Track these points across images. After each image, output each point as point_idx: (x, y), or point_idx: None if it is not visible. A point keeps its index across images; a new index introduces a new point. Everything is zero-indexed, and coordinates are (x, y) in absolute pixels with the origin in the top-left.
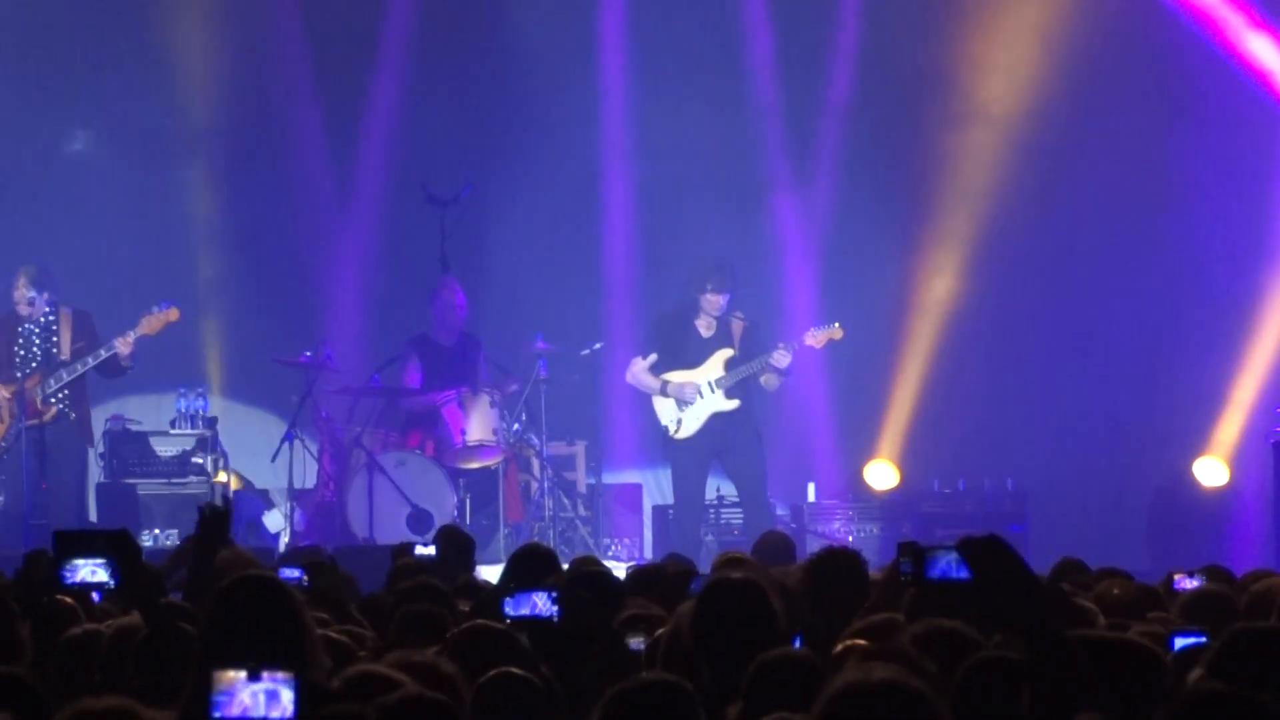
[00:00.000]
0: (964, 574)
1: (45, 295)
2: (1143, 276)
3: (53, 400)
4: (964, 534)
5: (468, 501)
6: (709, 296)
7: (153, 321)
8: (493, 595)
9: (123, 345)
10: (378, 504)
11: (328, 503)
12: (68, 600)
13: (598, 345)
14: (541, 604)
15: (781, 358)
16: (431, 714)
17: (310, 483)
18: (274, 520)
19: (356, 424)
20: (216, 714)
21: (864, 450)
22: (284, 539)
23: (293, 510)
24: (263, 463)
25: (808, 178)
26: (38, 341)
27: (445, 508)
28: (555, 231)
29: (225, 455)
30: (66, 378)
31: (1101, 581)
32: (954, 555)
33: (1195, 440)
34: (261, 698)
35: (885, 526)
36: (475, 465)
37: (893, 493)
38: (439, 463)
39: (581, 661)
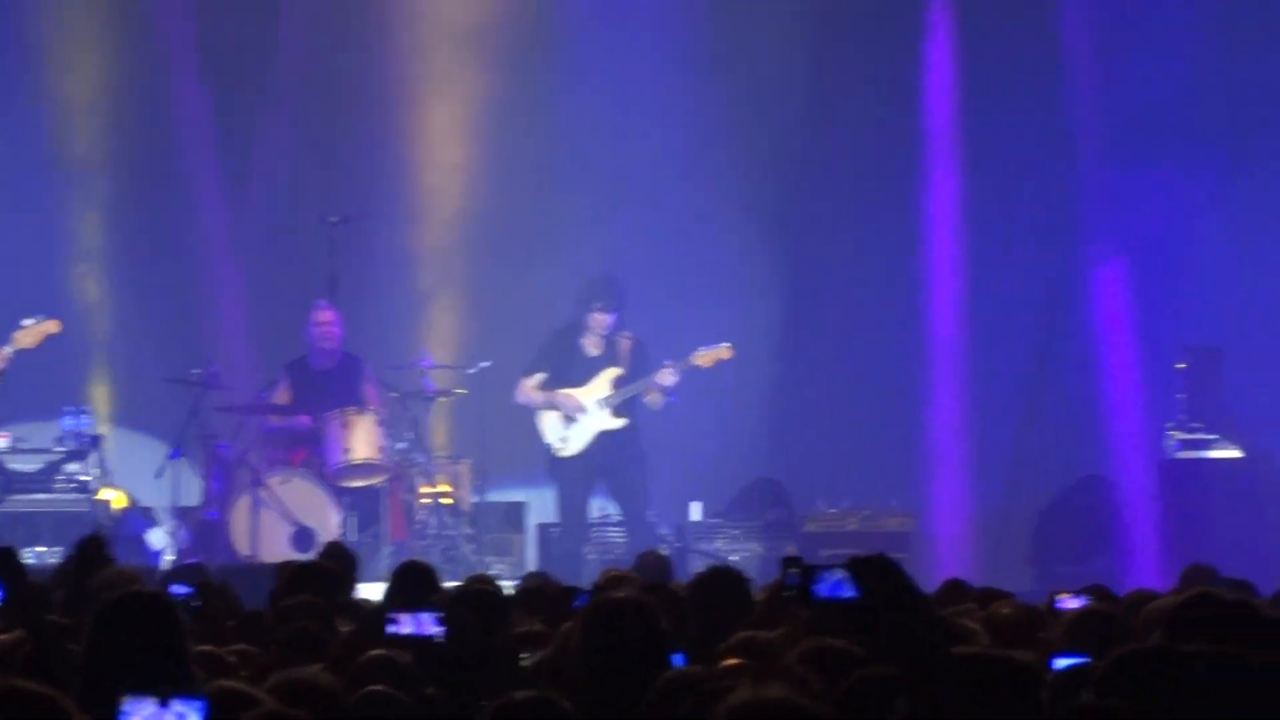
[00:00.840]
0: (851, 593)
1: None
2: (1029, 293)
3: None
4: (850, 554)
5: (352, 520)
6: (596, 315)
7: (31, 333)
8: (376, 614)
9: None
10: (262, 522)
11: (212, 520)
12: None
13: (484, 364)
14: (426, 623)
15: (667, 376)
16: None
17: (195, 500)
18: (157, 537)
19: (242, 442)
20: None
21: (748, 469)
22: (167, 556)
23: (177, 527)
24: (148, 480)
25: (695, 195)
26: None
27: (329, 526)
28: (442, 251)
29: (109, 472)
30: None
31: (983, 601)
32: (842, 574)
33: (1081, 458)
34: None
35: (768, 546)
36: (360, 483)
37: (777, 512)
38: (323, 481)
39: (469, 681)
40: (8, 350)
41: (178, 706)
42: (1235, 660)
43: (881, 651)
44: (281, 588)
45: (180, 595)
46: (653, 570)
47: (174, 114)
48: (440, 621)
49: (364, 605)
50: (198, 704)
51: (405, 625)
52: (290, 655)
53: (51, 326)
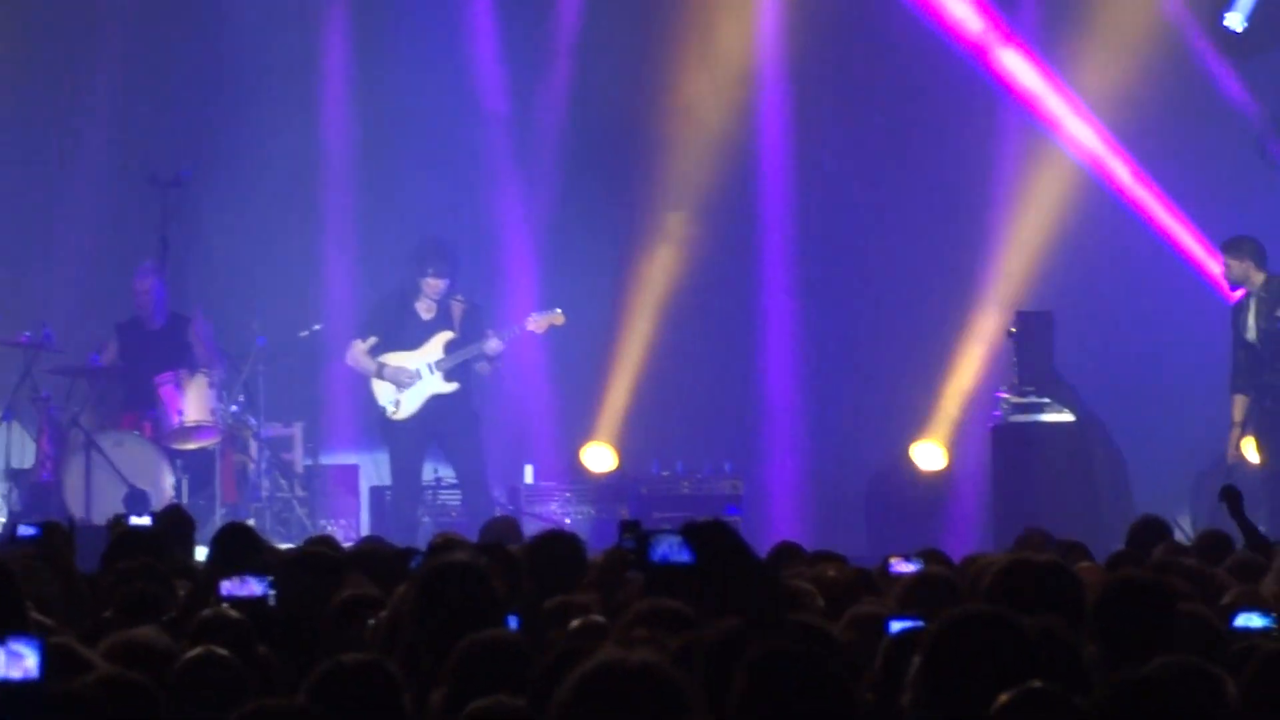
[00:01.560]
0: (686, 557)
1: None
2: (860, 257)
3: None
4: (682, 517)
5: (185, 482)
6: (430, 280)
7: None
8: (208, 576)
9: None
10: (95, 484)
11: (45, 483)
12: None
13: (316, 327)
14: (254, 585)
15: (494, 345)
16: (128, 695)
17: (28, 463)
18: None
19: (75, 404)
20: None
21: (582, 433)
22: (0, 518)
23: (10, 490)
24: None
25: (529, 161)
26: None
27: (162, 488)
28: (275, 214)
29: None
30: None
31: (816, 564)
32: (677, 538)
33: (913, 424)
34: (3, 658)
35: (603, 509)
36: (192, 446)
37: (610, 475)
38: (156, 443)
39: (303, 642)
40: None
41: (15, 645)
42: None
43: (716, 614)
44: (114, 549)
45: (27, 536)
46: (502, 535)
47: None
48: (269, 584)
49: (200, 568)
50: (34, 644)
51: (235, 588)
52: (126, 618)
53: None
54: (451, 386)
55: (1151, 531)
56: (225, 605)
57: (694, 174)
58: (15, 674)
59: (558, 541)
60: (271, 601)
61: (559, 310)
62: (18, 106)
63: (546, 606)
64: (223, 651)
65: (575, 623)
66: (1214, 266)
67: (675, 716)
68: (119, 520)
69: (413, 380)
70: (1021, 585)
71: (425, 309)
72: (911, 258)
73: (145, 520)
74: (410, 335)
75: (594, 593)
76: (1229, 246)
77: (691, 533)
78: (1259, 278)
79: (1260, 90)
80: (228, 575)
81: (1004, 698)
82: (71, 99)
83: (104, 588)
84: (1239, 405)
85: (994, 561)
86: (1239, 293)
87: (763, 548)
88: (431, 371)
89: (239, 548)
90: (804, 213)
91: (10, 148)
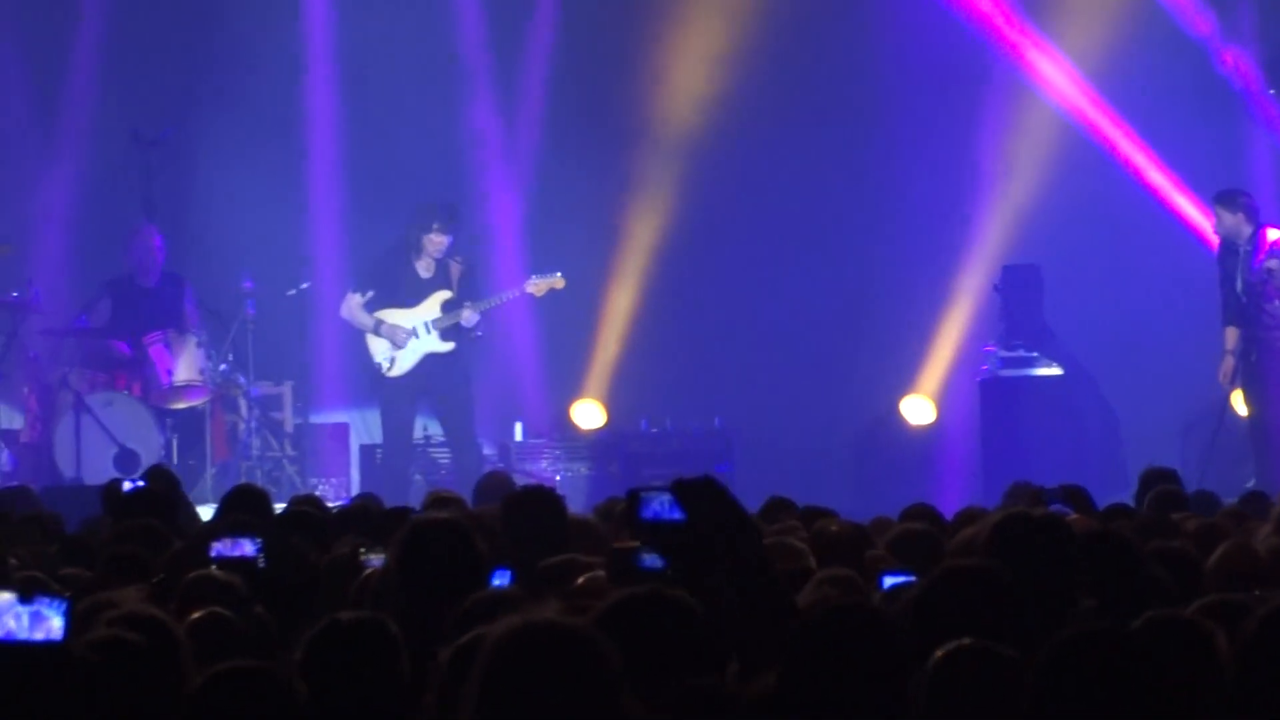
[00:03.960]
0: (677, 515)
1: None
2: (848, 213)
3: None
4: (672, 473)
5: (175, 442)
6: (433, 237)
7: None
8: (200, 537)
9: None
10: (85, 444)
11: (35, 443)
12: None
13: (305, 285)
14: (244, 547)
15: (469, 317)
16: (138, 656)
17: (17, 423)
18: None
19: (64, 364)
20: None
21: (571, 389)
22: None
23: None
24: None
25: (517, 115)
26: None
27: (152, 448)
28: (262, 171)
29: None
30: None
31: (807, 520)
32: (667, 496)
33: (902, 378)
34: (26, 619)
35: (592, 465)
36: (182, 405)
37: (600, 432)
38: (146, 403)
39: (296, 602)
40: None
41: (40, 603)
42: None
43: (705, 573)
44: (112, 510)
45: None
46: (496, 491)
47: None
48: (260, 547)
49: (190, 528)
50: (60, 603)
51: (226, 549)
52: (118, 579)
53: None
54: (447, 346)
55: (1164, 481)
56: (215, 567)
57: (681, 129)
58: (39, 635)
59: (535, 497)
60: (261, 564)
61: (559, 274)
62: (0, 64)
63: (551, 564)
64: (224, 612)
65: (581, 580)
66: (1200, 218)
67: (596, 678)
68: (113, 487)
69: (409, 338)
70: (1016, 539)
71: (425, 267)
72: (899, 213)
73: (136, 482)
74: (408, 292)
75: (599, 554)
76: (1222, 198)
77: (682, 490)
78: (1248, 230)
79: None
80: (219, 537)
81: (938, 653)
82: (55, 56)
83: (99, 547)
84: (1230, 336)
85: (988, 516)
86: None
87: (753, 503)
88: (428, 330)
89: (249, 510)
90: (791, 169)
91: None
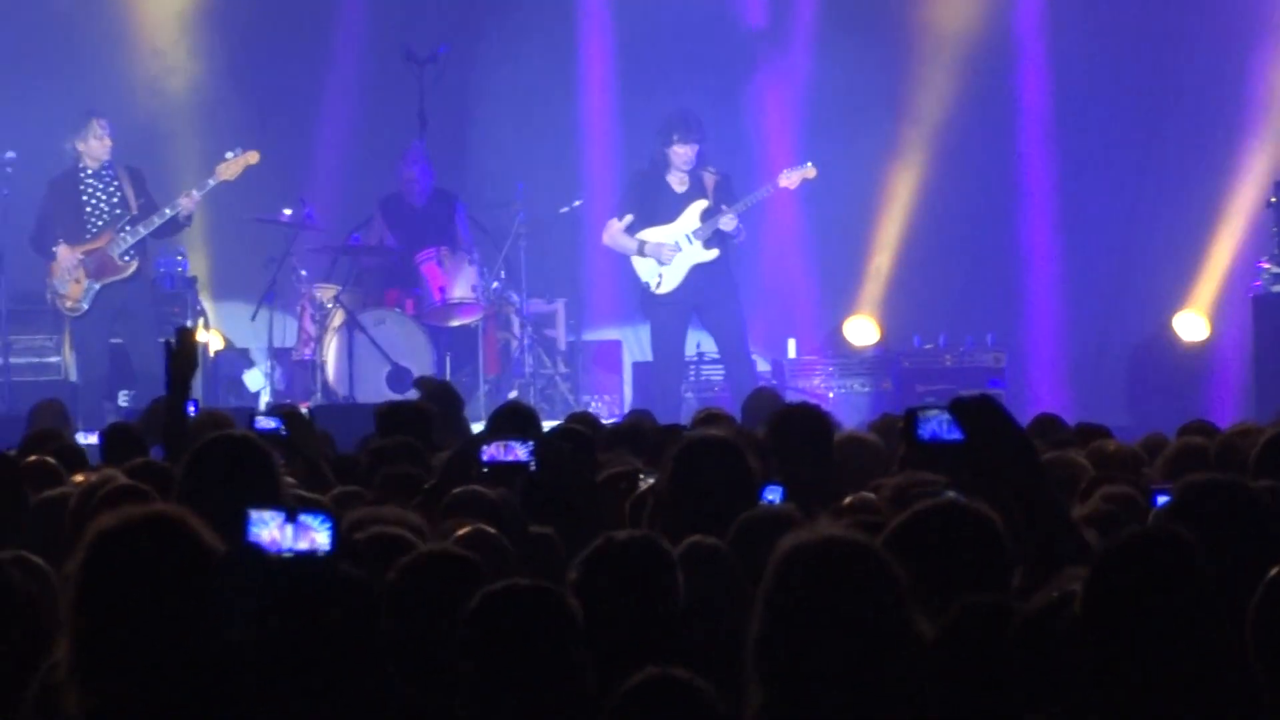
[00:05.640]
0: (955, 435)
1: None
2: (1121, 133)
3: (128, 257)
4: (946, 390)
5: (447, 359)
6: (676, 149)
7: (232, 166)
8: (470, 444)
9: (187, 202)
10: (357, 362)
11: (307, 361)
12: (49, 461)
13: (577, 202)
14: (520, 450)
15: (729, 222)
16: (454, 571)
17: (290, 342)
18: (254, 379)
19: (336, 282)
20: (252, 548)
21: (844, 305)
22: (264, 397)
23: (273, 369)
24: (243, 322)
25: (789, 27)
26: (103, 197)
27: (424, 365)
28: (534, 88)
29: (204, 314)
30: (144, 232)
31: (1082, 438)
32: (946, 415)
33: (1175, 295)
34: (292, 533)
35: (865, 383)
36: (455, 323)
37: (873, 349)
38: (418, 321)
39: (561, 515)
40: (196, 194)
41: (305, 519)
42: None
43: (982, 493)
44: (381, 428)
45: (267, 430)
46: (765, 407)
47: None
48: (531, 450)
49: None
50: (326, 519)
51: (498, 453)
52: (389, 497)
53: (251, 157)
54: (712, 254)
55: None
56: (485, 470)
57: (955, 44)
58: (303, 545)
59: (801, 415)
60: (532, 468)
61: (809, 164)
62: None
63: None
64: (490, 530)
65: (848, 499)
66: None
67: (885, 592)
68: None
69: (673, 254)
70: None
71: (678, 181)
72: (1171, 128)
73: (410, 396)
74: (665, 208)
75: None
76: None
77: (961, 409)
78: None
79: None
80: (488, 443)
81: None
82: None
83: (364, 467)
84: None
85: (1261, 432)
86: None
87: (1024, 420)
88: (690, 241)
89: (518, 426)
90: (1063, 85)
91: (270, 29)
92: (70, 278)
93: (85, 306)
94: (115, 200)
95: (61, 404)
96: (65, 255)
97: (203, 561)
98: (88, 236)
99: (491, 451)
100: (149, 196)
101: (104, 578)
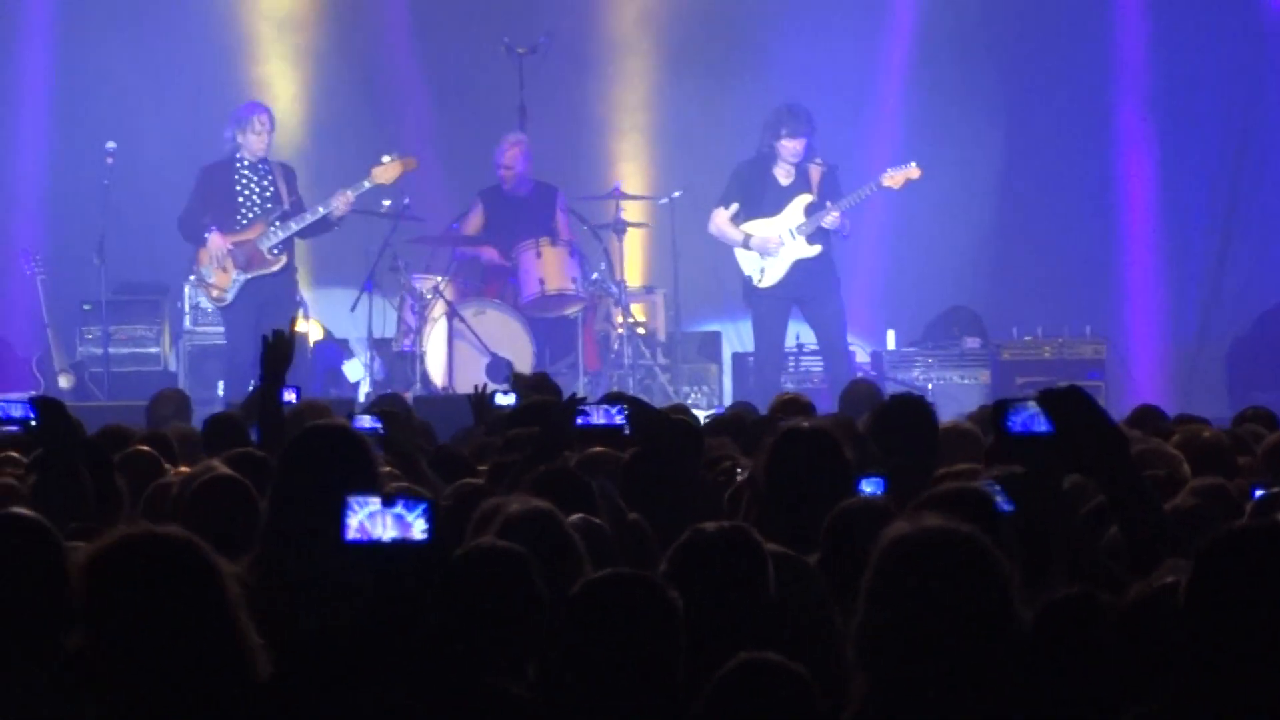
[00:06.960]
0: (1045, 427)
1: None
2: (1222, 118)
3: (276, 250)
4: (1045, 381)
5: (547, 350)
6: (785, 143)
7: (389, 170)
8: (563, 411)
9: (340, 203)
10: (456, 353)
11: (407, 352)
12: (147, 450)
13: (676, 194)
14: (617, 415)
15: (834, 220)
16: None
17: (389, 332)
18: (354, 369)
19: (435, 273)
20: (348, 536)
21: (943, 297)
22: (364, 388)
23: (372, 359)
24: (343, 312)
25: (895, 19)
26: (256, 190)
27: (524, 356)
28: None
29: (305, 305)
30: (295, 228)
31: (1179, 428)
32: (1035, 408)
33: (1275, 285)
34: (389, 522)
35: (963, 374)
36: (554, 314)
37: (972, 340)
38: (517, 311)
39: (660, 500)
40: (350, 194)
41: (401, 507)
42: None
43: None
44: (511, 418)
45: (365, 430)
46: (863, 398)
47: None
48: (626, 416)
49: None
50: (423, 506)
51: (594, 416)
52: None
53: (410, 163)
54: (815, 250)
55: None
56: (581, 434)
57: (1051, 34)
58: (397, 534)
59: (905, 406)
60: (626, 431)
61: (914, 163)
62: None
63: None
64: (593, 519)
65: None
66: None
67: (987, 582)
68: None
69: (778, 247)
70: None
71: (784, 174)
72: (1268, 114)
73: (510, 399)
74: (770, 201)
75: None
76: None
77: (1049, 401)
78: None
79: None
80: (586, 407)
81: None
82: None
83: (468, 458)
84: None
85: None
86: None
87: (1124, 411)
88: (794, 236)
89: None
90: (1162, 70)
91: (369, 20)
92: (218, 266)
93: (230, 298)
94: (269, 194)
95: (182, 393)
96: (216, 243)
97: (203, 580)
98: (238, 227)
99: (589, 414)
100: (299, 196)
101: (100, 601)
